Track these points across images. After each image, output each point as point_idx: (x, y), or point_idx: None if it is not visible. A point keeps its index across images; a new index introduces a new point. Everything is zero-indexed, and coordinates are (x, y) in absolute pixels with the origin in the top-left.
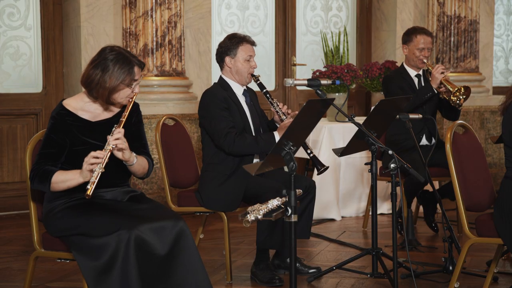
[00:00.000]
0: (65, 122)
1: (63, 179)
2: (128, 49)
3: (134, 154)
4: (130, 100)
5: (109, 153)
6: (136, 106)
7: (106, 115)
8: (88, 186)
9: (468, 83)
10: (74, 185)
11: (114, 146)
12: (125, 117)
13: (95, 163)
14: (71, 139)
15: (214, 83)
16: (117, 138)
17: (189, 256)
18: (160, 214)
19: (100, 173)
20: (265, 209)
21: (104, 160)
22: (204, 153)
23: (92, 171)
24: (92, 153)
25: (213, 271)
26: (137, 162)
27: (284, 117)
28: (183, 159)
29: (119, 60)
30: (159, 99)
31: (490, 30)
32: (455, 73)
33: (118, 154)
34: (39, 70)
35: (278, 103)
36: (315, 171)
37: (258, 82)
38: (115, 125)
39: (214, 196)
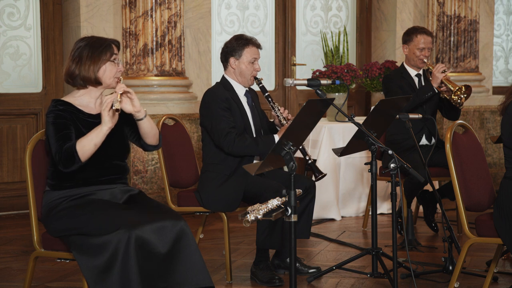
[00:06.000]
0: (64, 111)
1: (87, 140)
2: (128, 49)
3: (145, 109)
4: (118, 80)
5: (120, 97)
6: None
7: (99, 109)
8: (115, 105)
9: (468, 83)
10: (101, 139)
11: (121, 92)
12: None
13: (110, 102)
14: (73, 123)
15: (217, 83)
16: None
17: (190, 255)
18: (161, 214)
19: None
20: (265, 209)
21: (118, 97)
22: (204, 153)
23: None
24: (104, 98)
25: (213, 271)
26: (147, 119)
27: (285, 122)
28: (183, 159)
29: (93, 43)
30: (159, 99)
31: (490, 30)
32: (455, 73)
33: (127, 106)
34: (39, 70)
35: (279, 107)
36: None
37: (261, 85)
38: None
39: (214, 196)
